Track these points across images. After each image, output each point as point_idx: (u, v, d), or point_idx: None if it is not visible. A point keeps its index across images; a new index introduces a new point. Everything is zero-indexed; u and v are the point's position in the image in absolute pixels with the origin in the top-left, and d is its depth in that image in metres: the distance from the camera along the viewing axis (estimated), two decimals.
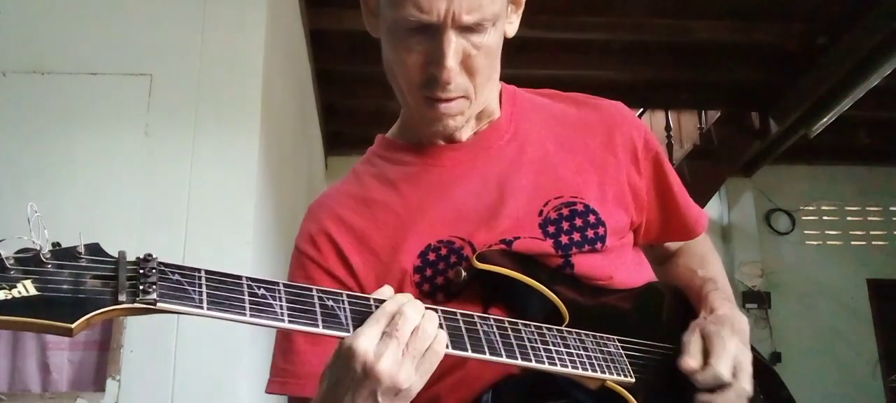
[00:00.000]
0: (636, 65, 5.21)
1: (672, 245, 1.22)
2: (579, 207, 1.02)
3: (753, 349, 1.18)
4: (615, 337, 0.97)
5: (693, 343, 0.96)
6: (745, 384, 0.94)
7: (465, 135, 1.05)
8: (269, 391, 1.00)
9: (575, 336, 0.92)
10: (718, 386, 0.92)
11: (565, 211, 1.01)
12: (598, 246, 1.01)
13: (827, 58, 4.84)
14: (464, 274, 0.94)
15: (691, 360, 0.93)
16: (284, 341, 1.00)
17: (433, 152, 1.06)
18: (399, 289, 0.96)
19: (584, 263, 1.01)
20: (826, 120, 5.48)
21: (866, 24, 4.45)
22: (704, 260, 1.19)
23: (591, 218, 1.02)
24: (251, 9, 3.03)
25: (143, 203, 2.72)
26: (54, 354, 2.55)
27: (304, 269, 1.03)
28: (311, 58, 4.64)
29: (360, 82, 5.17)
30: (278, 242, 3.26)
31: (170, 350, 2.58)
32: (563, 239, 1.00)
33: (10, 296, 0.60)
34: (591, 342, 0.93)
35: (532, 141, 1.07)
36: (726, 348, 0.94)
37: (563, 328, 0.92)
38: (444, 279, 0.99)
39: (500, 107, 1.09)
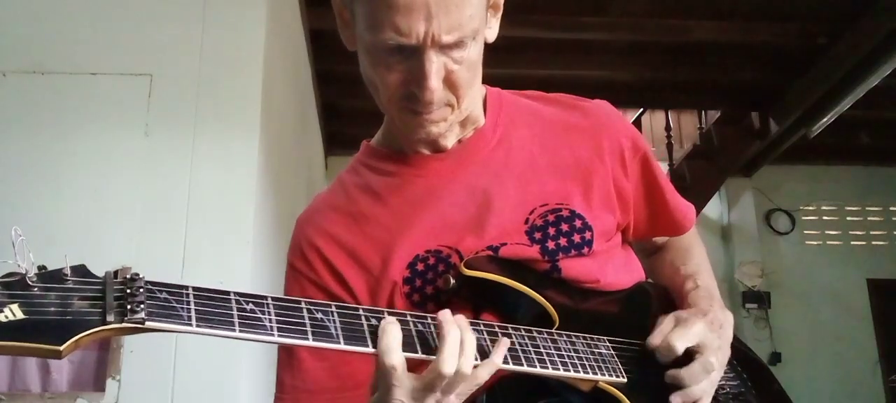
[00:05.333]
0: (636, 65, 5.21)
1: (659, 239, 1.24)
2: (565, 213, 1.02)
3: (744, 344, 1.19)
4: (606, 339, 0.97)
5: (662, 324, 0.99)
6: (711, 358, 0.97)
7: (449, 142, 1.04)
8: None
9: (566, 338, 0.92)
10: (679, 361, 0.95)
11: (551, 218, 1.01)
12: (585, 250, 1.01)
13: (827, 58, 4.85)
14: (452, 281, 0.94)
15: (654, 338, 0.98)
16: (289, 357, 1.00)
17: (418, 162, 1.05)
18: (390, 301, 0.98)
19: (572, 267, 1.01)
20: (826, 120, 5.48)
21: (866, 24, 4.45)
22: (689, 253, 1.19)
23: (578, 223, 1.02)
24: (251, 9, 3.03)
25: (143, 203, 2.72)
26: None
27: (300, 286, 1.03)
28: (311, 58, 4.64)
29: (360, 82, 5.11)
30: (278, 242, 3.26)
31: (170, 351, 2.58)
32: (550, 244, 1.00)
33: None
34: (582, 344, 0.94)
35: (517, 147, 1.06)
36: (689, 328, 0.97)
37: (553, 331, 0.92)
38: (434, 288, 0.98)
39: (485, 112, 1.08)
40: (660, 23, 4.63)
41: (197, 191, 2.76)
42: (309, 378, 0.97)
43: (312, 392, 0.97)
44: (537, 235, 1.00)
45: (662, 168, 1.19)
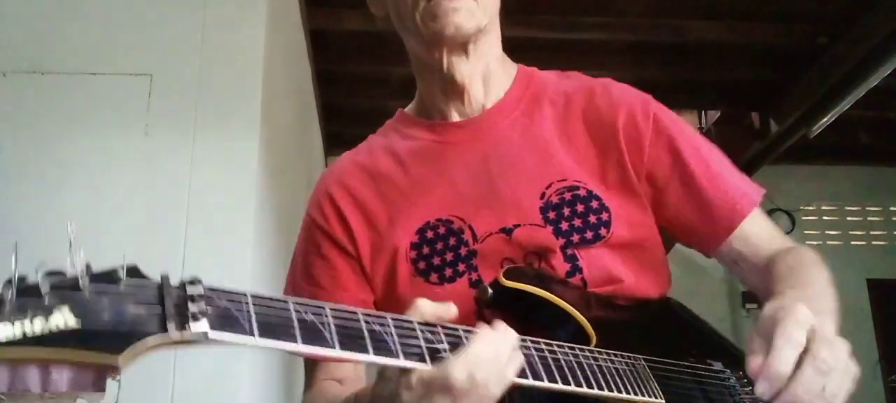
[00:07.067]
0: (636, 65, 5.20)
1: (755, 258, 1.04)
2: (582, 192, 1.01)
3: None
4: (641, 357, 0.94)
5: (752, 340, 0.79)
6: (824, 353, 0.72)
7: (472, 42, 1.02)
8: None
9: (606, 356, 0.90)
10: (790, 380, 0.72)
11: (567, 196, 1.00)
12: (603, 231, 0.99)
13: (827, 58, 4.84)
14: (490, 291, 0.93)
15: (752, 359, 0.75)
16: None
17: (440, 129, 1.07)
18: (391, 263, 1.00)
19: (592, 262, 0.98)
20: (826, 120, 5.47)
21: (866, 24, 4.45)
22: (793, 272, 0.99)
23: (594, 204, 1.00)
24: (251, 9, 3.03)
25: (143, 203, 2.71)
26: None
27: (308, 232, 1.07)
28: (311, 58, 4.64)
29: (360, 82, 5.17)
30: (278, 242, 3.26)
31: (170, 350, 2.57)
32: (564, 225, 0.99)
33: (47, 329, 0.54)
34: (621, 362, 0.90)
35: (538, 122, 1.07)
36: (785, 330, 0.75)
37: (593, 349, 0.90)
38: (441, 259, 0.99)
39: (514, 84, 1.10)
40: (660, 23, 4.63)
41: (197, 191, 2.76)
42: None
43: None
44: (551, 214, 0.99)
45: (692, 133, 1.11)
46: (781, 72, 5.24)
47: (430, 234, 1.00)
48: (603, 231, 0.99)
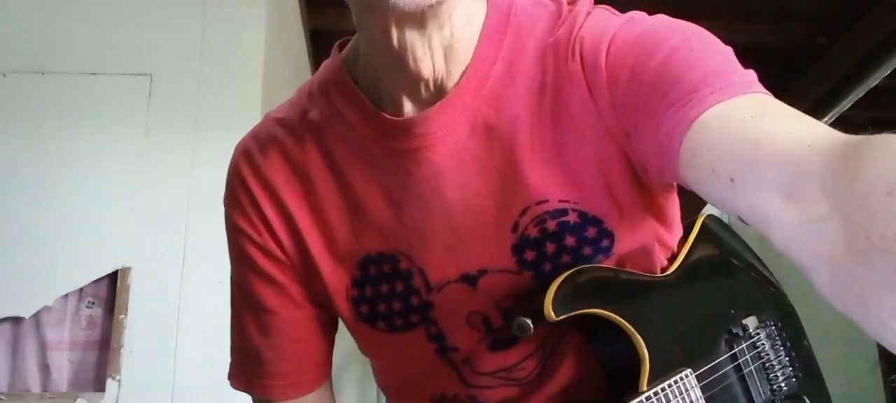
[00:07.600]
0: None
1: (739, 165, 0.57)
2: (571, 218, 0.73)
3: (781, 290, 1.01)
4: (690, 372, 0.76)
5: None
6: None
7: (427, 33, 0.70)
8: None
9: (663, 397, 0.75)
10: None
11: (551, 226, 0.73)
12: (599, 258, 0.75)
13: (827, 58, 4.85)
14: (533, 329, 0.72)
15: None
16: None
17: (389, 131, 0.76)
18: (327, 297, 0.84)
19: None
20: (826, 120, 5.47)
21: (866, 24, 4.45)
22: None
23: (590, 233, 0.73)
24: (251, 8, 3.03)
25: (143, 203, 2.71)
26: (54, 354, 2.54)
27: (235, 241, 0.89)
28: (311, 58, 4.64)
29: None
30: None
31: (170, 351, 2.58)
32: (547, 266, 0.74)
33: None
34: (677, 399, 0.75)
35: (509, 114, 0.74)
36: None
37: (650, 393, 0.73)
38: (387, 307, 0.80)
39: (482, 41, 0.75)
40: None
41: (197, 191, 2.76)
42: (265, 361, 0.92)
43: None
44: (528, 254, 0.74)
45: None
46: (781, 72, 5.24)
47: (372, 271, 0.80)
48: (600, 257, 0.75)
